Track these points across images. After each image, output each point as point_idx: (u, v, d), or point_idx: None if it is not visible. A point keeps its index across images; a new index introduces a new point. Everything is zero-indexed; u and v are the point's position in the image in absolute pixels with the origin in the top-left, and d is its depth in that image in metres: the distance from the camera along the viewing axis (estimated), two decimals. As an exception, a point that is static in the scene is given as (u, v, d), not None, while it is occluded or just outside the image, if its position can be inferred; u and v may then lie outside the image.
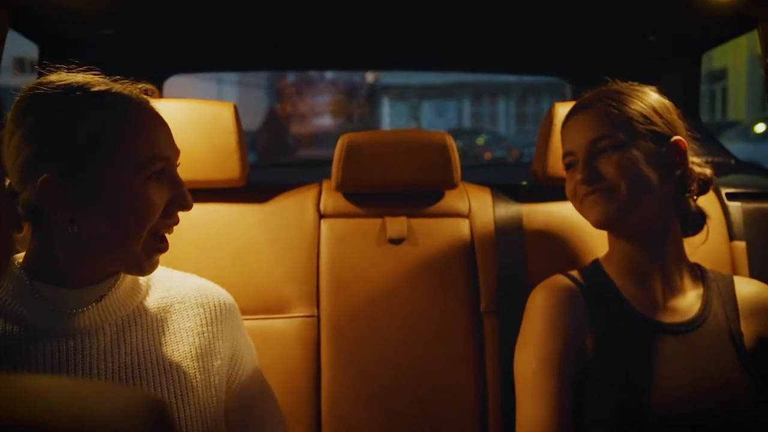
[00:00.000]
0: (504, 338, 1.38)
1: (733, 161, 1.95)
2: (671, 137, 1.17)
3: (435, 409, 1.36)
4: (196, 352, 1.02)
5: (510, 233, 1.46)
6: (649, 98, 1.19)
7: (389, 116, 19.48)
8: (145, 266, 0.96)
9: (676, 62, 1.85)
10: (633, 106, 1.17)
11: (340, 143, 1.48)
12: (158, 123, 0.98)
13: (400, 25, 1.82)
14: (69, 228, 0.91)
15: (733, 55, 12.09)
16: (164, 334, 1.01)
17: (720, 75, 13.11)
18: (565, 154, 1.22)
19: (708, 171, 1.23)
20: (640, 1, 1.58)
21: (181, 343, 1.01)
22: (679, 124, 1.20)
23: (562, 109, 1.46)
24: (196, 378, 1.00)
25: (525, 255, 1.44)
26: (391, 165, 1.47)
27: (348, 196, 1.51)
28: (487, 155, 13.64)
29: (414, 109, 19.98)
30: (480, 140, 15.34)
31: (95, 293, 0.96)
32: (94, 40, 1.73)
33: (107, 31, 1.70)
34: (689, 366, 1.09)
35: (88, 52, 1.77)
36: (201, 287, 1.08)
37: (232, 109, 1.42)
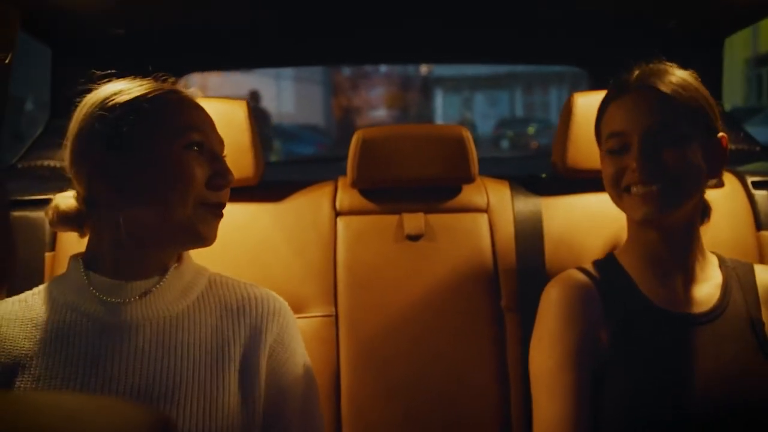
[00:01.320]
0: (526, 334, 1.35)
1: (758, 148, 1.90)
2: (718, 132, 1.12)
3: (456, 406, 1.34)
4: (238, 364, 1.00)
5: (530, 227, 1.44)
6: (702, 88, 1.13)
7: (442, 107, 19.84)
8: (203, 232, 0.98)
9: (698, 48, 1.81)
10: (695, 95, 1.10)
11: (355, 139, 1.46)
12: (193, 103, 1.03)
13: (427, 20, 1.81)
14: (117, 211, 0.96)
15: None
16: (208, 341, 1.00)
17: (760, 62, 12.81)
18: (610, 136, 1.12)
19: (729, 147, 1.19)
20: None
21: (224, 352, 1.00)
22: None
23: (582, 100, 1.43)
24: (231, 390, 0.98)
25: (544, 249, 1.42)
26: (407, 160, 1.45)
27: (364, 192, 1.49)
28: (534, 144, 14.00)
29: (466, 100, 20.26)
30: (531, 129, 15.75)
31: (140, 287, 0.98)
32: (106, 41, 1.73)
33: (119, 31, 1.69)
34: (710, 356, 1.07)
35: (100, 52, 1.77)
36: (256, 296, 1.07)
37: (245, 108, 1.41)
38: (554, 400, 1.08)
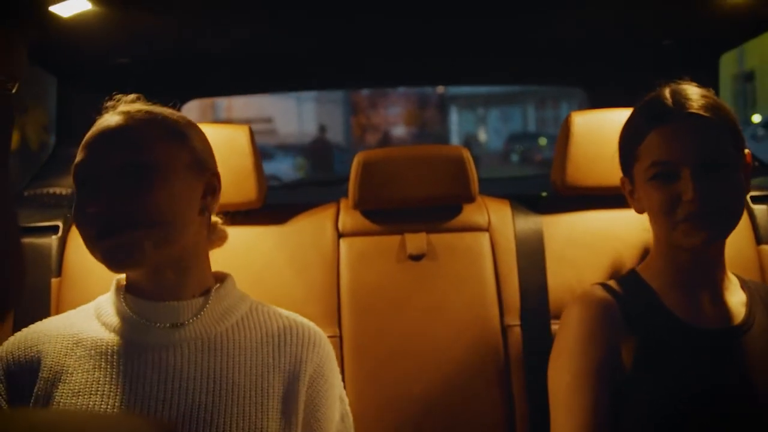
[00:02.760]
0: (529, 351, 1.36)
1: (756, 163, 1.91)
2: (744, 148, 1.13)
3: (461, 423, 1.34)
4: (279, 390, 1.00)
5: (531, 245, 1.45)
6: (728, 105, 1.13)
7: (457, 124, 20.43)
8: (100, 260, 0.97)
9: (692, 66, 1.83)
10: (728, 115, 1.10)
11: (357, 161, 1.48)
12: (95, 132, 1.01)
13: (440, 47, 1.84)
14: None
15: (760, 56, 11.97)
16: (249, 366, 1.00)
17: (750, 76, 13.00)
18: (655, 164, 1.10)
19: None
20: (654, 6, 1.57)
21: (264, 377, 1.00)
22: None
23: (579, 118, 1.45)
24: (272, 416, 0.98)
25: (546, 267, 1.43)
26: (408, 181, 1.46)
27: (366, 213, 1.51)
28: (538, 157, 14.61)
29: (481, 117, 20.85)
30: (542, 141, 16.35)
31: (178, 308, 1.00)
32: (111, 69, 1.76)
33: (123, 60, 1.72)
34: (738, 372, 1.07)
35: (106, 80, 1.79)
36: (298, 326, 1.07)
37: (247, 132, 1.43)
38: (572, 417, 1.07)
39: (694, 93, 1.10)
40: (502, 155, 16.04)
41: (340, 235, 1.48)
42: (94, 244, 0.95)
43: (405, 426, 1.34)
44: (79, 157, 0.97)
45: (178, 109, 1.09)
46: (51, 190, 1.67)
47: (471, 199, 1.48)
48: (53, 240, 1.43)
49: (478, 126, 20.54)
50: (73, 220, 0.96)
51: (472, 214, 1.51)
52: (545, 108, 19.84)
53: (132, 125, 0.97)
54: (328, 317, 1.40)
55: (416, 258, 1.45)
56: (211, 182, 1.03)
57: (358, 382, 1.36)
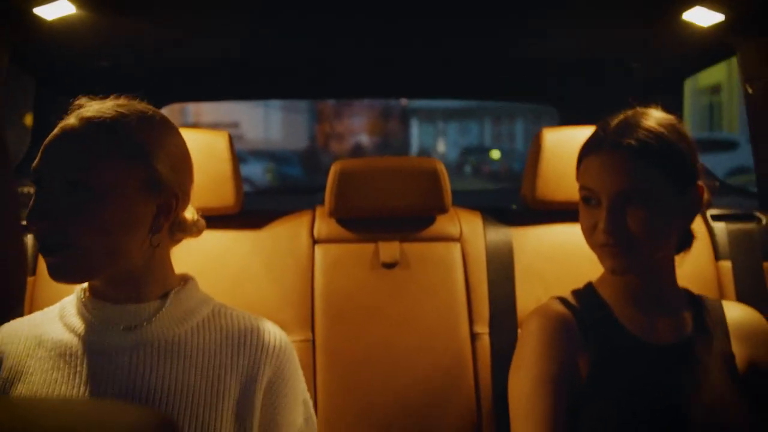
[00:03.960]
0: (496, 358, 1.40)
1: (717, 183, 1.99)
2: (695, 180, 1.14)
3: (431, 427, 1.37)
4: (235, 393, 1.00)
5: (500, 257, 1.49)
6: (684, 137, 1.12)
7: (418, 136, 21.11)
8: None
9: (659, 88, 1.90)
10: (670, 148, 1.10)
11: (333, 170, 1.51)
12: (54, 135, 0.98)
13: (409, 61, 1.88)
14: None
15: (728, 72, 12.26)
16: (205, 368, 1.00)
17: (716, 90, 13.27)
18: (583, 188, 1.15)
19: (707, 195, 1.19)
20: (622, 31, 1.63)
21: (220, 380, 1.00)
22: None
23: (550, 135, 1.49)
24: (225, 418, 0.98)
25: (515, 277, 1.47)
26: (383, 191, 1.50)
27: (341, 221, 1.53)
28: (486, 169, 15.96)
29: (440, 130, 21.54)
30: (495, 153, 17.73)
31: (137, 311, 0.99)
32: (89, 71, 1.77)
33: (103, 63, 1.73)
34: (685, 386, 1.10)
35: (83, 82, 1.80)
36: (259, 328, 1.05)
37: (226, 138, 1.45)
38: (530, 426, 1.09)
39: (636, 124, 1.11)
40: (456, 167, 16.79)
41: (315, 242, 1.51)
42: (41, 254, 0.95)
43: (375, 428, 1.37)
44: (36, 159, 0.95)
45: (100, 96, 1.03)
46: (26, 190, 1.67)
47: (444, 210, 1.52)
48: (28, 239, 1.43)
49: (437, 138, 21.32)
50: (26, 222, 0.93)
51: (444, 224, 1.55)
52: (501, 124, 20.82)
53: (85, 138, 0.93)
54: (302, 322, 1.42)
55: (389, 266, 1.48)
56: (168, 202, 0.98)
57: (330, 386, 1.38)
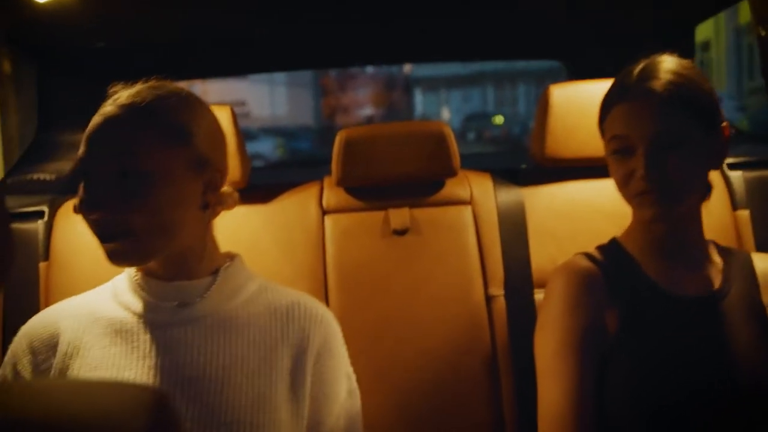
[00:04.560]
0: (512, 320, 1.39)
1: (733, 131, 1.94)
2: (720, 122, 1.13)
3: (449, 394, 1.38)
4: (287, 363, 1.03)
5: (512, 217, 1.47)
6: (705, 80, 1.11)
7: (422, 105, 21.53)
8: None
9: (669, 37, 1.85)
10: (695, 91, 1.10)
11: (339, 139, 1.49)
12: (92, 128, 1.00)
13: (411, 20, 1.84)
14: None
15: (716, 28, 12.00)
16: (257, 341, 1.03)
17: (705, 47, 13.03)
18: (614, 138, 1.12)
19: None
20: None
21: (272, 351, 1.03)
22: None
23: (558, 91, 1.46)
24: (279, 388, 1.01)
25: (528, 237, 1.45)
26: (390, 157, 1.48)
27: (350, 190, 1.52)
28: (488, 135, 16.61)
29: (444, 99, 21.88)
30: (498, 119, 18.11)
31: (189, 288, 1.03)
32: (90, 53, 1.75)
33: (101, 43, 1.72)
34: (715, 338, 1.09)
35: (85, 64, 1.79)
36: (305, 303, 1.09)
37: (229, 112, 1.43)
38: (557, 383, 1.09)
39: (660, 69, 1.11)
40: (459, 134, 17.06)
41: (324, 213, 1.50)
42: (98, 241, 0.98)
43: (392, 398, 1.37)
44: (80, 151, 0.97)
45: (132, 82, 1.05)
46: (35, 176, 1.68)
47: (453, 174, 1.50)
48: (39, 225, 1.44)
49: (441, 106, 21.56)
50: (78, 211, 0.97)
51: (454, 188, 1.53)
52: (503, 88, 20.99)
53: (130, 126, 0.96)
54: (315, 293, 1.41)
55: (400, 233, 1.47)
56: (213, 178, 1.02)
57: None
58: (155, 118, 0.97)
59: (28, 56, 1.71)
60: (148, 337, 1.00)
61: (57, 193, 1.63)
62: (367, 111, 18.48)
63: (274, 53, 2.16)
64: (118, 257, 0.97)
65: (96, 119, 0.97)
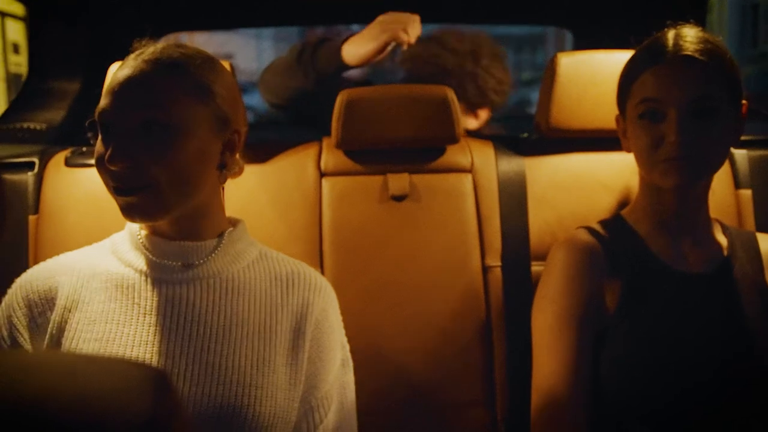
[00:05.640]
0: (508, 292, 1.38)
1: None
2: (741, 98, 1.12)
3: (441, 361, 1.37)
4: (287, 326, 1.05)
5: (513, 187, 1.45)
6: (729, 52, 1.11)
7: None
8: (121, 211, 1.00)
9: (681, 5, 1.81)
10: (728, 62, 1.08)
11: (340, 99, 1.45)
12: (116, 80, 1.00)
13: None
14: None
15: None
16: (259, 304, 1.05)
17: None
18: (645, 101, 1.10)
19: None
20: None
21: (273, 315, 1.05)
22: None
23: (565, 60, 1.43)
24: (279, 351, 1.03)
25: (528, 208, 1.43)
26: (391, 121, 1.45)
27: (348, 153, 1.49)
28: None
29: None
30: None
31: (194, 249, 1.03)
32: (84, 1, 1.70)
33: None
34: (716, 315, 1.09)
35: (78, 14, 1.73)
36: (305, 271, 1.11)
37: (228, 68, 1.39)
38: (553, 357, 1.09)
39: (694, 36, 1.09)
40: None
41: (322, 175, 1.47)
42: (113, 194, 0.97)
43: (385, 363, 1.37)
44: (102, 103, 0.96)
45: (151, 39, 1.05)
46: (26, 125, 1.63)
47: (455, 140, 1.47)
48: (29, 176, 1.41)
49: None
50: (96, 165, 0.97)
51: (455, 155, 1.50)
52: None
53: (157, 79, 0.95)
54: (310, 256, 1.40)
55: (398, 198, 1.45)
56: (232, 139, 1.03)
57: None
58: (182, 73, 0.97)
59: (20, 1, 1.65)
60: (149, 293, 1.01)
61: (47, 143, 1.60)
62: (354, 71, 18.62)
63: (261, 8, 2.14)
64: (134, 211, 0.96)
65: (121, 72, 0.96)
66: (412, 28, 1.63)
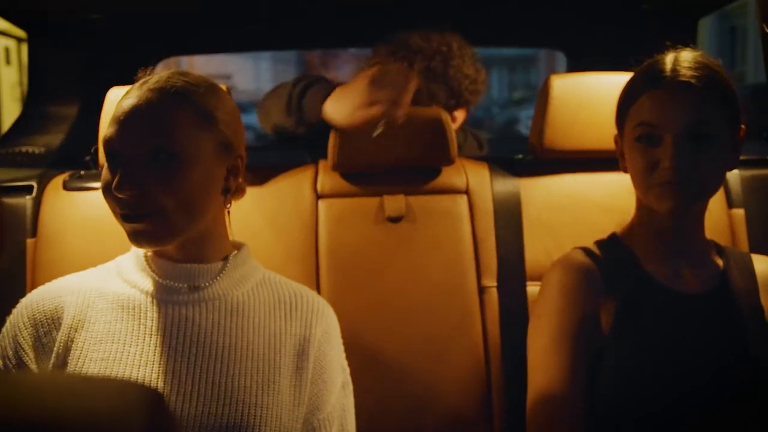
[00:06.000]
0: (505, 312, 1.38)
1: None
2: (740, 123, 1.13)
3: (438, 383, 1.37)
4: (291, 348, 1.06)
5: (508, 208, 1.46)
6: (729, 78, 1.11)
7: None
8: (129, 239, 1.01)
9: (671, 30, 1.83)
10: (726, 88, 1.09)
11: None
12: (120, 109, 1.01)
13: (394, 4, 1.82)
14: None
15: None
16: (263, 327, 1.06)
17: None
18: (641, 124, 1.10)
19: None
20: None
21: (277, 337, 1.06)
22: None
23: (559, 81, 1.45)
24: (283, 372, 1.04)
25: (523, 229, 1.44)
26: (387, 143, 1.46)
27: (345, 175, 1.50)
28: None
29: None
30: None
31: (198, 271, 1.04)
32: (83, 25, 1.72)
33: (96, 15, 1.68)
34: (710, 336, 1.09)
35: (78, 37, 1.75)
36: (307, 295, 1.13)
37: (224, 89, 1.40)
38: (548, 377, 1.09)
39: (692, 61, 1.10)
40: None
41: (318, 197, 1.48)
42: (120, 221, 0.99)
43: (382, 383, 1.36)
44: (108, 132, 0.98)
45: (154, 67, 1.07)
46: (24, 149, 1.64)
47: (450, 162, 1.49)
48: (27, 200, 1.41)
49: None
50: (102, 193, 0.98)
51: (450, 176, 1.51)
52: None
53: (163, 108, 0.97)
54: (307, 278, 1.40)
55: (395, 220, 1.45)
56: (235, 164, 1.05)
57: (336, 342, 1.37)
58: (186, 101, 0.99)
59: (19, 26, 1.67)
60: (155, 314, 1.02)
61: (46, 167, 1.61)
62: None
63: (259, 34, 2.17)
64: (142, 237, 0.97)
65: (126, 101, 0.98)
66: (406, 93, 1.36)
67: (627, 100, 1.15)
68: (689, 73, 1.08)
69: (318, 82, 1.53)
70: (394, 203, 1.46)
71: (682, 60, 1.10)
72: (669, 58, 1.11)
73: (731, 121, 1.10)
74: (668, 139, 1.07)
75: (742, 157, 1.52)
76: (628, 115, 1.14)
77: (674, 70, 1.09)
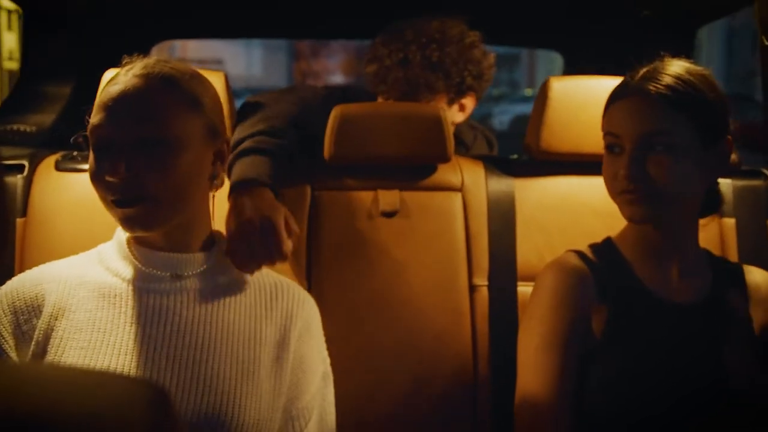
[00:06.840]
0: (495, 311, 1.39)
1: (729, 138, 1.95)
2: (725, 133, 1.12)
3: (425, 381, 1.37)
4: (271, 338, 1.07)
5: (502, 207, 1.46)
6: (715, 88, 1.10)
7: None
8: (120, 224, 1.02)
9: (671, 38, 1.84)
10: (702, 101, 1.08)
11: (333, 115, 1.46)
12: (111, 93, 1.00)
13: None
14: None
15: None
16: (244, 316, 1.06)
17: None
18: (607, 134, 1.14)
19: (734, 156, 1.18)
20: None
21: (257, 327, 1.07)
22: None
23: (557, 83, 1.45)
24: (263, 362, 1.05)
25: (516, 229, 1.45)
26: (384, 138, 1.46)
27: (340, 168, 1.50)
28: None
29: None
30: None
31: (180, 262, 1.04)
32: (75, 5, 1.69)
33: None
34: (700, 345, 1.10)
35: (72, 20, 1.73)
36: (288, 285, 1.14)
37: (223, 79, 1.39)
38: (538, 378, 1.10)
39: (669, 71, 1.10)
40: None
41: (313, 189, 1.47)
42: (110, 207, 0.98)
43: (368, 380, 1.36)
44: (95, 119, 0.97)
45: (148, 51, 1.07)
46: (16, 127, 1.62)
47: (446, 159, 1.48)
48: (18, 179, 1.40)
49: None
50: (91, 179, 0.97)
51: (445, 173, 1.51)
52: None
53: (151, 94, 0.97)
54: (298, 271, 1.40)
55: (389, 215, 1.45)
56: (221, 149, 1.06)
57: (327, 335, 1.37)
58: (172, 86, 0.99)
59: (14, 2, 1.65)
60: (136, 303, 1.02)
61: (37, 146, 1.59)
62: (337, 78, 18.48)
63: (251, 20, 2.16)
64: (134, 223, 0.97)
65: (113, 88, 0.97)
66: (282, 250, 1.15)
67: (605, 109, 1.17)
68: (652, 83, 1.08)
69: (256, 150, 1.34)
70: (389, 198, 1.46)
71: (659, 69, 1.11)
72: (645, 69, 1.12)
73: (704, 131, 1.09)
74: (628, 149, 1.09)
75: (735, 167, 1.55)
76: (603, 124, 1.16)
77: (641, 80, 1.10)
